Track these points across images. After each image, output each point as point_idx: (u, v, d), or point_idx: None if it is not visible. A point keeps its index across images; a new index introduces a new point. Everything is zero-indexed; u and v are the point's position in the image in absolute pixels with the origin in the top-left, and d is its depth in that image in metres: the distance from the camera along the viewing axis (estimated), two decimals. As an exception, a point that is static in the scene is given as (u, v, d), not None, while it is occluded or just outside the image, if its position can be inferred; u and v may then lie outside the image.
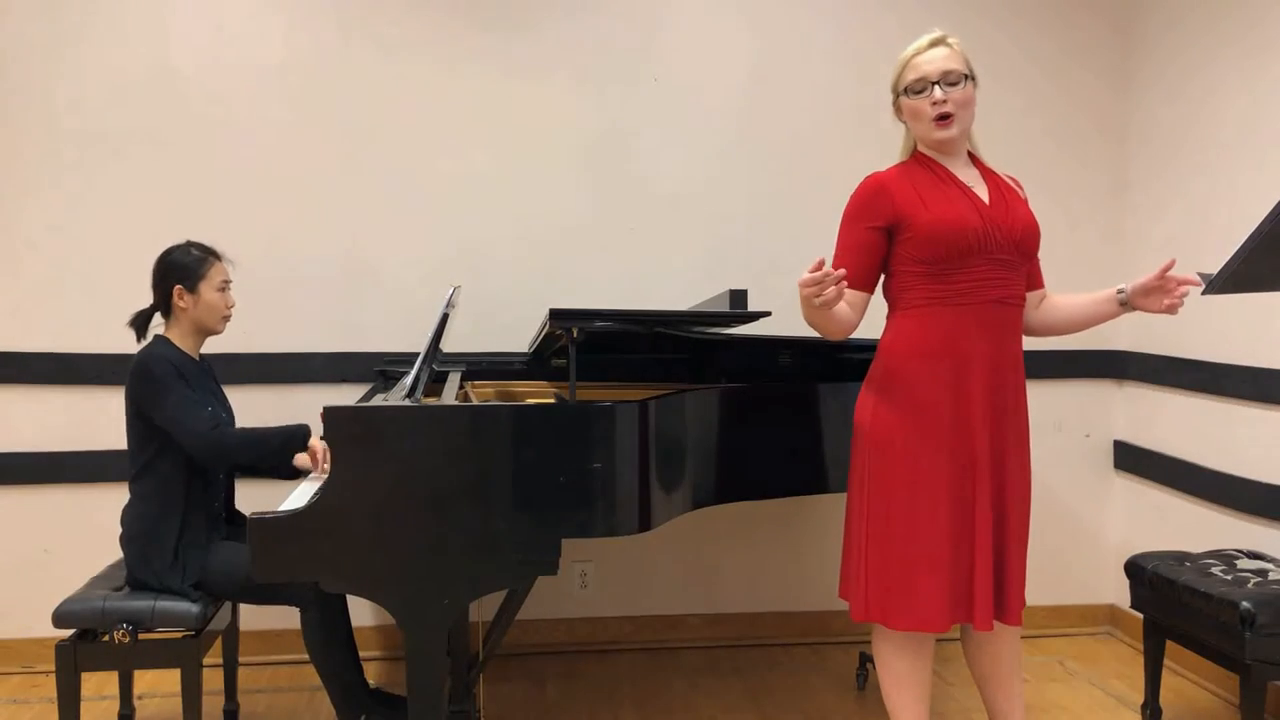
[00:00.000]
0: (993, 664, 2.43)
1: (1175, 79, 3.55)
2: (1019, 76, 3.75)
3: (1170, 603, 2.87)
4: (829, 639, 3.78)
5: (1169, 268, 2.28)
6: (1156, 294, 2.31)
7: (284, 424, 2.90)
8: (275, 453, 2.70)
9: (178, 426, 2.60)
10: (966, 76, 2.27)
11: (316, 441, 2.71)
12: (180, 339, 2.77)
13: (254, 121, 3.49)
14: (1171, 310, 2.30)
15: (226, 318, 2.82)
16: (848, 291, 2.30)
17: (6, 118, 3.39)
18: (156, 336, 2.76)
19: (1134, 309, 2.35)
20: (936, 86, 2.24)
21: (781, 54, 3.68)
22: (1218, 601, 2.68)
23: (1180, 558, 3.01)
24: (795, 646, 3.76)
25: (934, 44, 2.28)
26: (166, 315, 2.78)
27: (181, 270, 2.73)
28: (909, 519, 2.25)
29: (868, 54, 3.67)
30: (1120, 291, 2.35)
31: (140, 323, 2.80)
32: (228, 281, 2.82)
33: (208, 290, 2.75)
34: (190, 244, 2.79)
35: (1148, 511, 3.72)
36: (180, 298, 2.73)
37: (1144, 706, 3.04)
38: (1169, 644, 2.96)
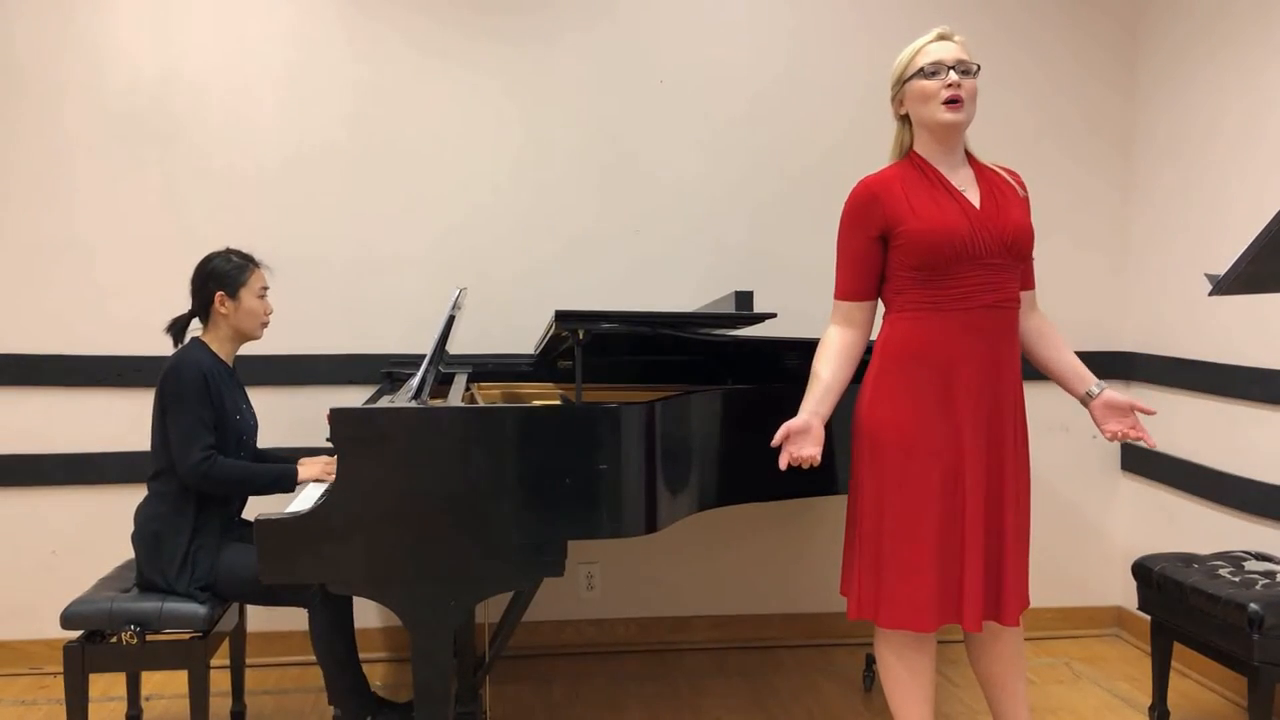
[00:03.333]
0: (996, 665, 2.43)
1: (1180, 76, 3.54)
2: (1023, 75, 3.74)
3: (1178, 604, 2.87)
4: (835, 641, 3.78)
5: (1145, 410, 2.34)
6: (1115, 416, 2.36)
7: (279, 463, 2.91)
8: (261, 491, 2.72)
9: (176, 446, 2.63)
10: (976, 69, 2.27)
11: (308, 470, 2.72)
12: (217, 344, 2.79)
13: (262, 126, 3.50)
14: (1111, 438, 2.37)
15: (265, 324, 2.86)
16: (854, 305, 2.33)
17: (20, 124, 3.41)
18: (194, 340, 2.79)
19: (1087, 409, 2.39)
20: (952, 71, 2.23)
21: (788, 55, 3.68)
22: (1225, 603, 2.67)
23: (1187, 559, 3.00)
24: (802, 648, 3.75)
25: (942, 37, 2.28)
26: (205, 321, 2.81)
27: (223, 277, 2.77)
28: (898, 517, 2.25)
29: (874, 53, 3.65)
30: (1092, 390, 2.38)
31: (178, 328, 2.83)
32: (266, 288, 2.85)
33: (248, 297, 2.79)
34: (230, 251, 2.83)
35: (1155, 513, 3.71)
36: (222, 304, 2.76)
37: (1151, 709, 3.03)
38: (1176, 646, 2.95)
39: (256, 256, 2.86)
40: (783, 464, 2.25)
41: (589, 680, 3.47)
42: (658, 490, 2.41)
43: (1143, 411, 2.35)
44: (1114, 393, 2.37)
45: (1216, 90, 3.38)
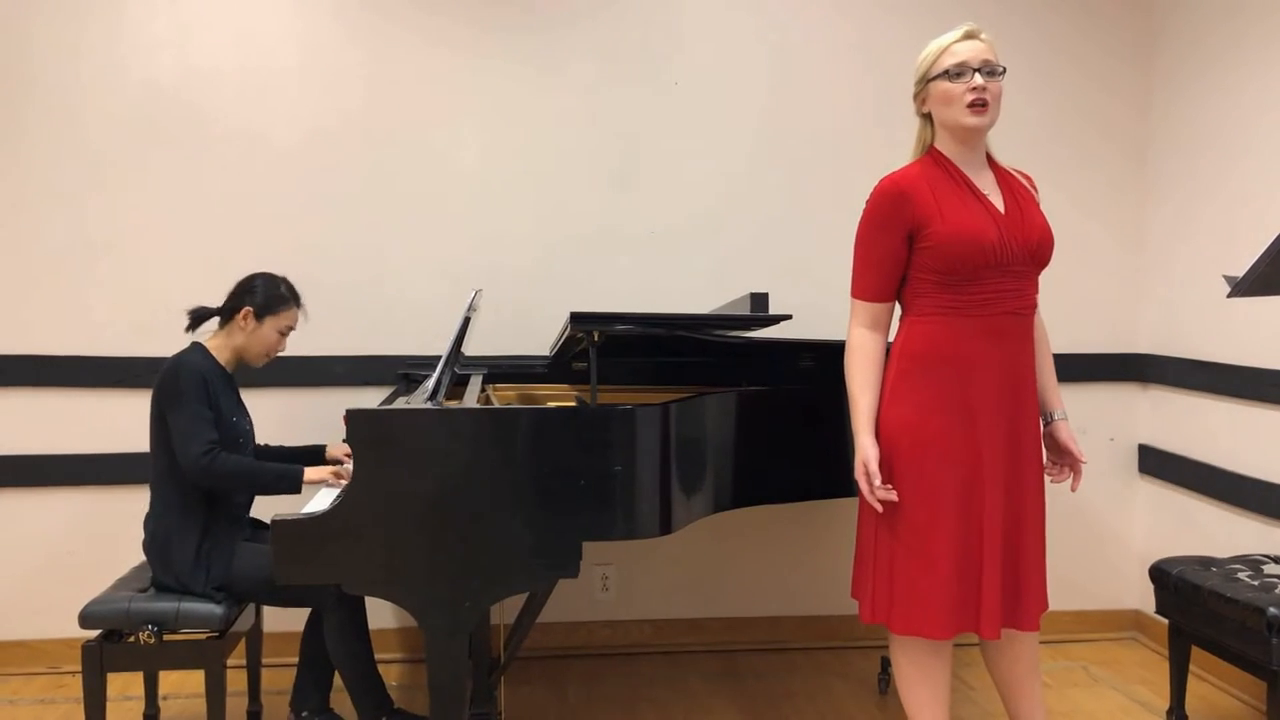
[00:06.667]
0: (1012, 668, 2.41)
1: (1196, 75, 3.52)
2: (1038, 72, 3.73)
3: (1195, 608, 2.85)
4: (850, 643, 3.77)
5: (1081, 460, 2.40)
6: (1053, 451, 2.43)
7: (290, 454, 2.94)
8: (266, 488, 2.69)
9: (178, 441, 2.63)
10: (1002, 71, 2.24)
11: (315, 473, 2.69)
12: (219, 350, 2.80)
13: (275, 130, 3.52)
14: (1045, 470, 2.41)
15: (269, 358, 2.87)
16: (881, 307, 2.30)
17: (33, 125, 3.43)
18: (194, 344, 2.80)
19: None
20: (977, 74, 2.19)
21: (801, 56, 3.68)
22: (1244, 607, 2.66)
23: (1205, 562, 2.98)
24: (816, 650, 3.75)
25: (969, 36, 2.24)
26: (223, 324, 2.82)
27: (260, 297, 2.79)
28: (914, 524, 2.23)
29: (888, 54, 3.65)
30: (1052, 416, 2.42)
31: (196, 318, 2.83)
32: (291, 328, 2.87)
33: (269, 328, 2.81)
34: (283, 280, 2.86)
35: (1172, 516, 3.69)
36: (245, 319, 2.78)
37: (1169, 712, 3.01)
38: (1194, 649, 2.94)
39: (303, 299, 2.89)
40: (879, 508, 2.23)
41: (603, 681, 3.47)
42: (672, 492, 2.41)
43: (1080, 461, 2.40)
44: (1067, 430, 2.41)
45: (1233, 89, 3.36)
